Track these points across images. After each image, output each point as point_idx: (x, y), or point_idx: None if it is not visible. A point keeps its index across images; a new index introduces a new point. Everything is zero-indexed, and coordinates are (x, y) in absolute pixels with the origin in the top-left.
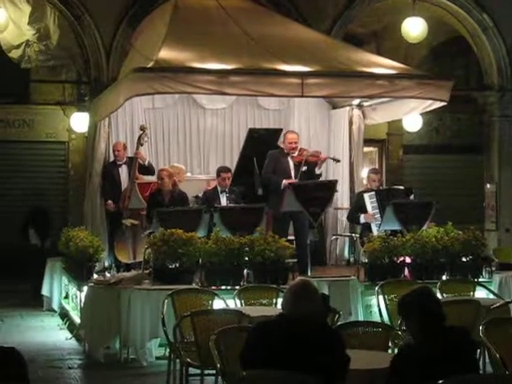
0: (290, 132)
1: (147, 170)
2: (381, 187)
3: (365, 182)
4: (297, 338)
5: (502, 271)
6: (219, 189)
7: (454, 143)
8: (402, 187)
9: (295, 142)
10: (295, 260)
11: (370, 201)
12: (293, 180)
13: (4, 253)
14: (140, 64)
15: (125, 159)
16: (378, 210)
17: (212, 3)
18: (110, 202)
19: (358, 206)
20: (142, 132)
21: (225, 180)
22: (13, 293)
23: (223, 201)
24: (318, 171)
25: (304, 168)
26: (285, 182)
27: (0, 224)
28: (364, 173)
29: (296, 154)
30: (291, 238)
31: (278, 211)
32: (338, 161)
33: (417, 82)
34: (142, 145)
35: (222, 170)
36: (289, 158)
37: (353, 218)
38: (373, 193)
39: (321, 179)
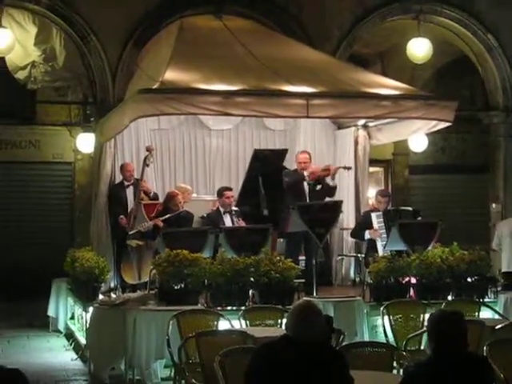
0: (301, 152)
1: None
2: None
3: (370, 202)
4: (300, 360)
5: (507, 291)
6: (222, 210)
7: (459, 163)
8: (410, 208)
9: (305, 162)
10: (303, 280)
11: (377, 220)
12: (314, 168)
13: (11, 273)
14: (145, 85)
15: (132, 180)
16: (384, 230)
17: (217, 24)
18: (122, 216)
19: (364, 224)
20: (148, 153)
21: (229, 198)
22: (21, 314)
23: (227, 221)
24: (331, 183)
25: (319, 187)
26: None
27: (7, 244)
28: (370, 193)
29: (308, 173)
30: (301, 258)
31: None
32: (350, 168)
33: (421, 103)
34: (147, 165)
35: (224, 189)
36: (304, 181)
37: (357, 234)
38: (380, 213)
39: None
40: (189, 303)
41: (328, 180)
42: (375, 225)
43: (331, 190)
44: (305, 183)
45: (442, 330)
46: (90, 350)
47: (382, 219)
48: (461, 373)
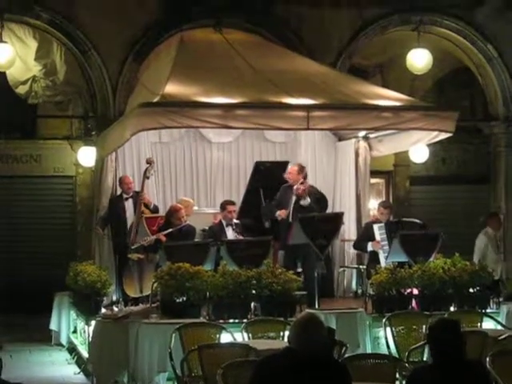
0: (292, 164)
1: (153, 213)
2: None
3: (372, 213)
4: (303, 372)
5: (509, 302)
6: (224, 222)
7: (460, 174)
8: (418, 221)
9: (290, 173)
10: (304, 292)
11: (379, 232)
12: (284, 212)
13: (12, 287)
14: (146, 99)
15: (131, 193)
16: (386, 242)
17: (217, 37)
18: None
19: (366, 236)
20: (148, 165)
21: (231, 213)
22: (22, 328)
23: (229, 234)
24: (302, 202)
25: (302, 201)
26: (278, 212)
27: (8, 258)
28: (371, 204)
29: (296, 186)
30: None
31: (284, 242)
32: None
33: (422, 114)
34: (148, 178)
35: (227, 203)
36: (293, 191)
37: (359, 246)
38: (382, 224)
39: (315, 211)
40: (191, 316)
41: (302, 199)
42: (377, 236)
43: (304, 209)
44: (292, 197)
45: (439, 335)
46: (92, 363)
47: (384, 231)
48: (458, 378)
